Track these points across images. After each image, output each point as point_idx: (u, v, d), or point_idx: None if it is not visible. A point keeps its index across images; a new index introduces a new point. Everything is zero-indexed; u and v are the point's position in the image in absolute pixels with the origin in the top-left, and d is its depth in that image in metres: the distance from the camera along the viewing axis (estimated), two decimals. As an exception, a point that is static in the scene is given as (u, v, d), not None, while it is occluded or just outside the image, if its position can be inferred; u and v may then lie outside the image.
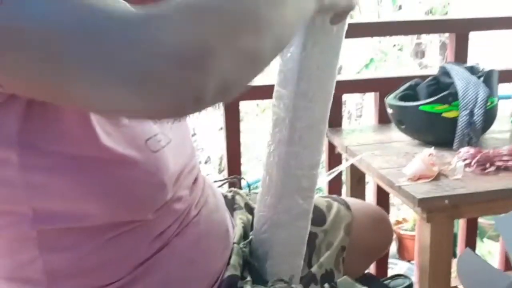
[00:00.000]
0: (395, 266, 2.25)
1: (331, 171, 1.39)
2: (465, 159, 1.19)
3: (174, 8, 0.49)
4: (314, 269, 0.93)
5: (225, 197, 0.97)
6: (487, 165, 1.17)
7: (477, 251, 1.93)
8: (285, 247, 0.89)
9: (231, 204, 0.97)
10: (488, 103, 1.32)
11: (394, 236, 2.23)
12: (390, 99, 1.40)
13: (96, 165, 0.62)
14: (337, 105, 1.55)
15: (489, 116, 1.34)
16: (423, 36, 3.70)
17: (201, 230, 0.77)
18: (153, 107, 0.50)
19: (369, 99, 2.66)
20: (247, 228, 0.92)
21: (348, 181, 1.59)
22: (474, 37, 1.70)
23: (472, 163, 1.17)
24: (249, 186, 1.12)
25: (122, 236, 0.68)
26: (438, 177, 1.14)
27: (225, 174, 1.60)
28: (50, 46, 0.47)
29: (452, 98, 1.31)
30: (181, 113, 0.55)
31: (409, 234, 2.39)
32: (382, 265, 1.68)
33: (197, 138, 3.13)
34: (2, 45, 0.48)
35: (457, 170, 1.16)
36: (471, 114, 1.29)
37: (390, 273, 1.72)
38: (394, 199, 1.61)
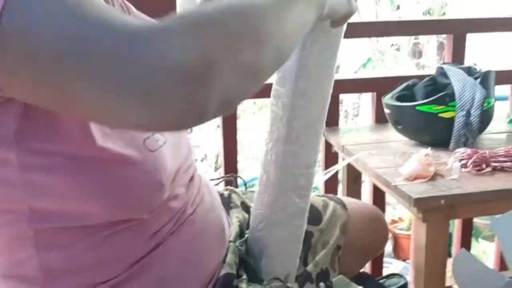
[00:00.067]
0: (390, 265, 2.26)
1: (328, 170, 1.39)
2: (461, 160, 1.19)
3: (179, 23, 0.49)
4: (309, 267, 0.93)
5: (221, 195, 0.97)
6: (483, 166, 1.18)
7: (472, 251, 1.93)
8: (281, 245, 0.89)
9: (227, 203, 0.97)
10: (485, 104, 1.32)
11: (390, 235, 2.24)
12: (387, 99, 1.40)
13: (95, 165, 0.63)
14: (334, 104, 1.55)
15: (486, 117, 1.34)
16: (421, 36, 3.70)
17: (196, 229, 0.77)
18: (156, 121, 0.50)
19: (366, 98, 2.66)
20: (243, 227, 0.92)
21: (344, 180, 1.59)
22: (472, 38, 1.70)
23: (468, 163, 1.18)
24: (245, 184, 1.12)
25: (119, 234, 0.68)
26: (434, 177, 1.14)
27: (221, 172, 1.60)
28: (53, 58, 0.47)
29: (449, 98, 1.32)
30: (183, 126, 0.56)
31: (404, 233, 2.40)
32: (378, 264, 1.69)
33: (194, 135, 3.13)
34: (8, 50, 0.47)
35: (453, 170, 1.16)
36: (468, 115, 1.30)
37: (386, 272, 1.72)
38: (389, 198, 1.61)
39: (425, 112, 1.32)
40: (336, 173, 1.52)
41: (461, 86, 1.31)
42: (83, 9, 0.48)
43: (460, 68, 1.38)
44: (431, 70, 1.51)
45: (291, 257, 0.90)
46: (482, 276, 0.79)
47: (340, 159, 1.55)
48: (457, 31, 1.68)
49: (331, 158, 1.57)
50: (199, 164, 3.09)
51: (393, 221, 2.50)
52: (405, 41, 3.84)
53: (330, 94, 0.85)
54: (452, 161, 1.20)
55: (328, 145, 1.57)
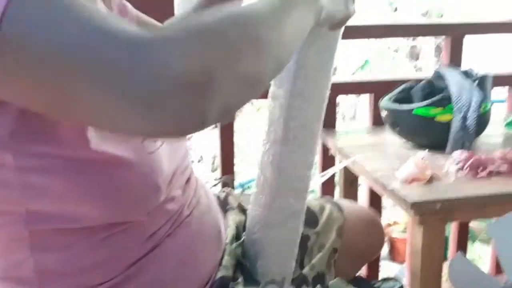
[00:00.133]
0: (387, 268, 2.26)
1: (324, 172, 1.39)
2: (458, 163, 1.19)
3: (180, 31, 0.49)
4: (305, 270, 0.93)
5: (217, 197, 0.97)
6: (480, 169, 1.18)
7: (467, 255, 1.93)
8: (276, 247, 0.89)
9: (223, 205, 0.97)
10: (482, 108, 1.32)
11: (386, 238, 2.24)
12: (385, 102, 1.40)
13: (92, 167, 0.62)
14: (331, 106, 1.55)
15: (483, 120, 1.35)
16: (419, 38, 3.71)
17: (193, 231, 0.77)
18: (157, 128, 0.50)
19: (363, 100, 2.66)
20: (240, 229, 0.92)
21: (341, 183, 1.59)
22: (469, 40, 1.71)
23: (465, 167, 1.18)
24: (242, 186, 1.12)
25: (115, 236, 0.68)
26: (431, 180, 1.14)
27: (218, 173, 1.59)
28: (53, 64, 0.47)
29: (446, 101, 1.32)
30: (183, 134, 0.56)
31: (400, 236, 2.40)
32: (374, 267, 1.69)
33: (191, 136, 3.13)
34: (7, 55, 0.47)
35: (450, 173, 1.16)
36: (465, 118, 1.30)
37: (382, 275, 1.72)
38: (386, 201, 1.61)
39: (422, 115, 1.32)
40: (333, 175, 1.52)
41: (458, 89, 1.32)
42: (83, 15, 0.48)
43: (457, 71, 1.38)
44: (428, 72, 1.51)
45: (287, 259, 0.90)
46: (477, 280, 0.79)
47: (337, 162, 1.55)
48: (454, 33, 1.69)
49: (327, 160, 1.57)
50: (195, 165, 3.09)
51: (389, 224, 2.51)
52: (403, 43, 3.85)
53: (327, 96, 0.85)
54: (448, 164, 1.20)
55: (325, 148, 1.56)
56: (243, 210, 0.98)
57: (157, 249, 0.72)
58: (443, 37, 1.76)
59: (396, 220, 2.54)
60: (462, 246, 1.74)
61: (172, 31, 0.50)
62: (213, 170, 3.12)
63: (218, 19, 0.52)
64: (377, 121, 1.57)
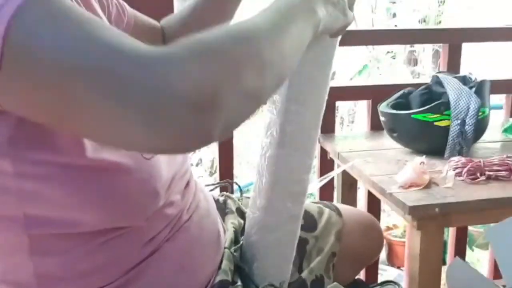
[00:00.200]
0: (385, 272, 2.26)
1: (323, 177, 1.39)
2: (456, 168, 1.20)
3: (185, 50, 0.50)
4: (304, 274, 0.93)
5: (216, 201, 0.97)
6: (478, 175, 1.18)
7: (466, 259, 1.93)
8: (273, 250, 0.89)
9: (222, 209, 0.97)
10: (480, 113, 1.33)
11: (384, 242, 2.24)
12: (383, 107, 1.41)
13: (91, 173, 0.63)
14: (330, 111, 1.56)
15: (481, 126, 1.35)
16: (417, 44, 3.72)
17: (192, 235, 0.77)
18: (161, 145, 0.51)
19: (362, 105, 2.67)
20: (238, 233, 0.92)
21: (339, 187, 1.59)
22: (467, 47, 1.71)
23: (463, 172, 1.18)
24: (241, 190, 1.12)
25: (114, 240, 0.68)
26: (429, 185, 1.15)
27: (216, 177, 1.60)
28: (57, 76, 0.47)
29: (444, 107, 1.32)
30: (188, 151, 0.57)
31: (399, 240, 2.40)
32: (372, 271, 1.69)
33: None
34: (12, 65, 0.47)
35: (448, 178, 1.17)
36: (463, 123, 1.31)
37: (380, 279, 1.72)
38: (384, 205, 1.62)
39: (421, 121, 1.33)
40: (332, 180, 1.52)
41: (456, 95, 1.32)
42: (88, 29, 0.48)
43: (455, 77, 1.39)
44: (426, 78, 1.52)
45: (284, 262, 0.90)
46: (476, 284, 0.79)
47: (335, 166, 1.55)
48: (452, 40, 1.69)
49: (326, 165, 1.57)
50: (194, 168, 3.09)
51: (388, 228, 2.51)
52: (401, 49, 3.86)
53: (325, 101, 0.86)
54: (446, 169, 1.21)
55: (323, 152, 1.57)
56: (242, 214, 0.98)
57: (156, 253, 0.72)
58: (441, 44, 1.77)
59: (395, 223, 2.54)
60: (460, 250, 1.75)
61: (175, 50, 0.50)
62: (212, 173, 3.12)
63: (220, 37, 0.53)
64: (376, 126, 1.58)
